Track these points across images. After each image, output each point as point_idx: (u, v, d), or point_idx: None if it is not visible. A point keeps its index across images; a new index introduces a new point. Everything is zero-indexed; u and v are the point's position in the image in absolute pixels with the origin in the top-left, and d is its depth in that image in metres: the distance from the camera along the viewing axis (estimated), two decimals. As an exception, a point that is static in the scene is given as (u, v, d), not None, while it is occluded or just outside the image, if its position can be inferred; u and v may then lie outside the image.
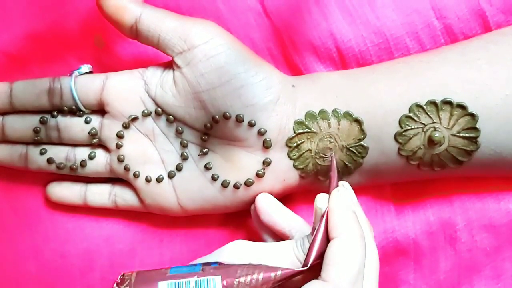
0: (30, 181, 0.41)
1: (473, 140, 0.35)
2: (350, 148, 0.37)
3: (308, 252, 0.31)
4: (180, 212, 0.39)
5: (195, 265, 0.34)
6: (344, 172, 0.38)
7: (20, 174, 0.41)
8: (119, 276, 0.33)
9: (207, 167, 0.38)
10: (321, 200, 0.33)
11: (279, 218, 0.36)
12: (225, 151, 0.37)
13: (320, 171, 0.38)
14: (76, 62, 0.41)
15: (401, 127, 0.36)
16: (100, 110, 0.39)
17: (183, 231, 0.41)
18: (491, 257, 0.39)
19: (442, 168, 0.37)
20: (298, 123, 0.37)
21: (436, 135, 0.35)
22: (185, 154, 0.38)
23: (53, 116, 0.39)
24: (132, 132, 0.38)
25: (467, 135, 0.35)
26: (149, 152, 0.38)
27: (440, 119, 0.35)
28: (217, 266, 0.33)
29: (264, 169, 0.37)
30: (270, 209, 0.37)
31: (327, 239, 0.31)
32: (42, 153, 0.39)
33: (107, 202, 0.40)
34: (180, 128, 0.38)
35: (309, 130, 0.37)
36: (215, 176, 0.38)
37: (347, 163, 0.37)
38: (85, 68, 0.39)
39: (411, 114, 0.36)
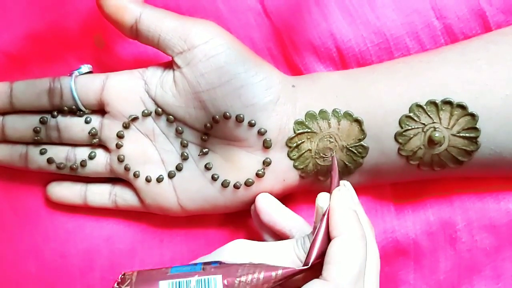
0: (30, 181, 0.41)
1: (473, 140, 0.35)
2: (350, 148, 0.37)
3: (309, 251, 0.31)
4: (180, 212, 0.39)
5: (196, 264, 0.34)
6: (344, 172, 0.38)
7: (20, 174, 0.41)
8: (120, 275, 0.33)
9: (207, 167, 0.38)
10: (322, 199, 0.33)
11: (279, 218, 0.36)
12: (225, 151, 0.37)
13: (320, 171, 0.38)
14: (76, 62, 0.41)
15: (401, 127, 0.36)
16: (100, 110, 0.39)
17: (183, 231, 0.41)
18: (491, 257, 0.39)
19: (442, 168, 0.37)
20: (298, 123, 0.37)
21: (436, 135, 0.35)
22: (185, 154, 0.38)
23: (53, 116, 0.39)
24: (132, 132, 0.38)
25: (467, 135, 0.35)
26: (149, 152, 0.38)
27: (440, 119, 0.35)
28: (218, 266, 0.33)
29: (264, 169, 0.37)
30: (270, 209, 0.37)
31: (328, 239, 0.31)
32: (42, 153, 0.39)
33: (107, 202, 0.40)
34: (180, 128, 0.38)
35: (309, 130, 0.37)
36: (215, 176, 0.38)
37: (347, 163, 0.37)
38: (85, 68, 0.39)
39: (411, 114, 0.36)
